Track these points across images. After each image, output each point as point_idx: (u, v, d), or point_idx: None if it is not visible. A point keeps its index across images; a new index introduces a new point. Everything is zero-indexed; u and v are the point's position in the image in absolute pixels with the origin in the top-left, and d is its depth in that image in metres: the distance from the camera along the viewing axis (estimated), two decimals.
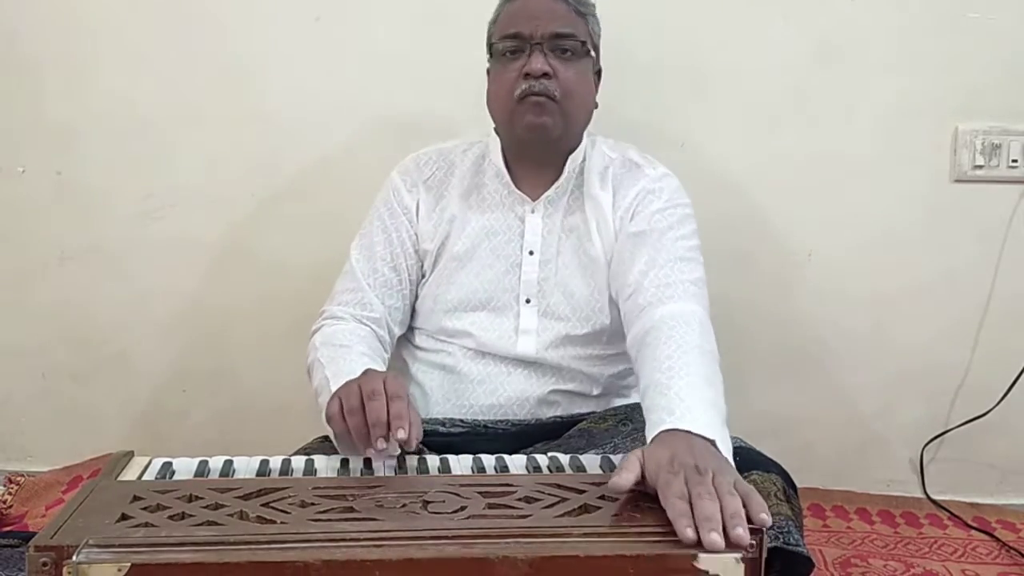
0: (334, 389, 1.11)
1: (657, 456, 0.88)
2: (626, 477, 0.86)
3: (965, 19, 1.70)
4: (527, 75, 1.29)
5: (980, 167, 1.75)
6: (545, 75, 1.28)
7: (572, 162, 1.37)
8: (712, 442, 0.94)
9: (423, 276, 1.40)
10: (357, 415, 1.03)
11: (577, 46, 1.32)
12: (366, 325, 1.35)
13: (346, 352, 1.26)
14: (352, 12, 1.74)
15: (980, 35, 1.70)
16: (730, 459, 0.96)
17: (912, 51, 1.72)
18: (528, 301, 1.35)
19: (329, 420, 1.09)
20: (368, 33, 1.74)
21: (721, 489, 0.82)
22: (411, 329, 1.42)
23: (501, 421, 1.32)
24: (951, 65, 1.72)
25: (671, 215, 1.33)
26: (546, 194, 1.36)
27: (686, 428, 0.95)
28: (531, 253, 1.36)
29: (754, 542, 0.78)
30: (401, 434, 0.99)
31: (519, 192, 1.37)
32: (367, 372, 1.11)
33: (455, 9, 1.71)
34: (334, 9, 1.74)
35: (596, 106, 1.39)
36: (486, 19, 1.38)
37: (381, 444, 1.00)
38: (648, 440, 0.98)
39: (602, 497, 0.86)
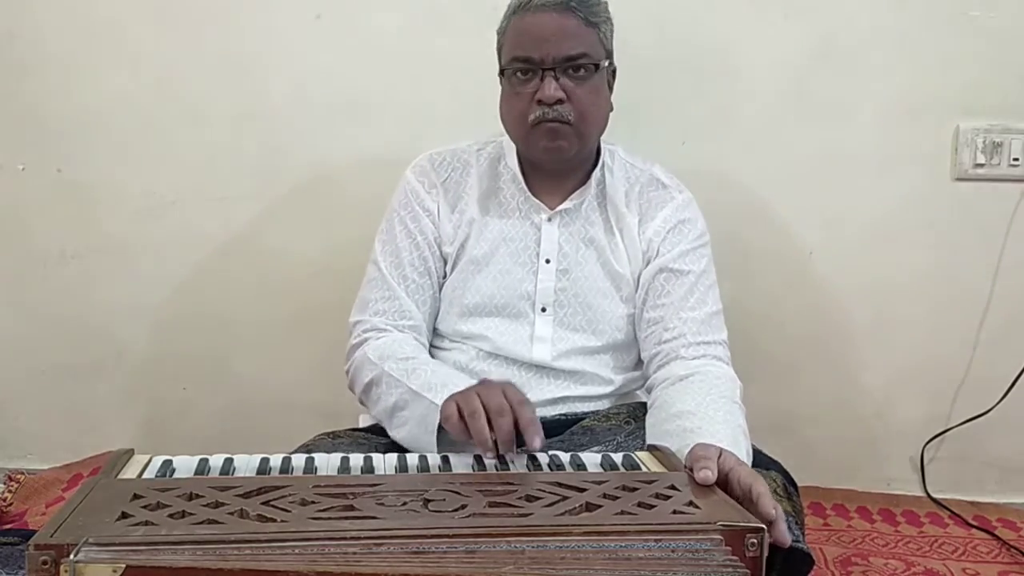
0: (438, 401, 1.12)
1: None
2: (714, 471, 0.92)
3: (966, 17, 1.70)
4: (540, 101, 1.26)
5: (981, 166, 1.74)
6: (559, 101, 1.26)
7: (594, 177, 1.36)
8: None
9: (444, 277, 1.39)
10: (479, 420, 1.02)
11: (590, 66, 1.28)
12: (407, 334, 1.34)
13: (418, 364, 1.24)
14: (352, 10, 1.74)
15: (981, 34, 1.70)
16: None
17: (913, 49, 1.72)
18: (544, 310, 1.35)
19: (446, 422, 1.08)
20: (369, 31, 1.74)
21: None
22: None
23: None
24: (952, 63, 1.72)
25: (702, 254, 1.37)
26: (563, 205, 1.36)
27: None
28: (547, 261, 1.35)
29: (756, 540, 0.79)
30: (537, 443, 1.01)
31: (536, 200, 1.36)
32: (484, 382, 1.11)
33: (456, 7, 1.71)
34: (334, 7, 1.73)
35: (612, 109, 1.36)
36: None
37: (491, 455, 1.01)
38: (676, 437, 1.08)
39: (603, 495, 0.86)
